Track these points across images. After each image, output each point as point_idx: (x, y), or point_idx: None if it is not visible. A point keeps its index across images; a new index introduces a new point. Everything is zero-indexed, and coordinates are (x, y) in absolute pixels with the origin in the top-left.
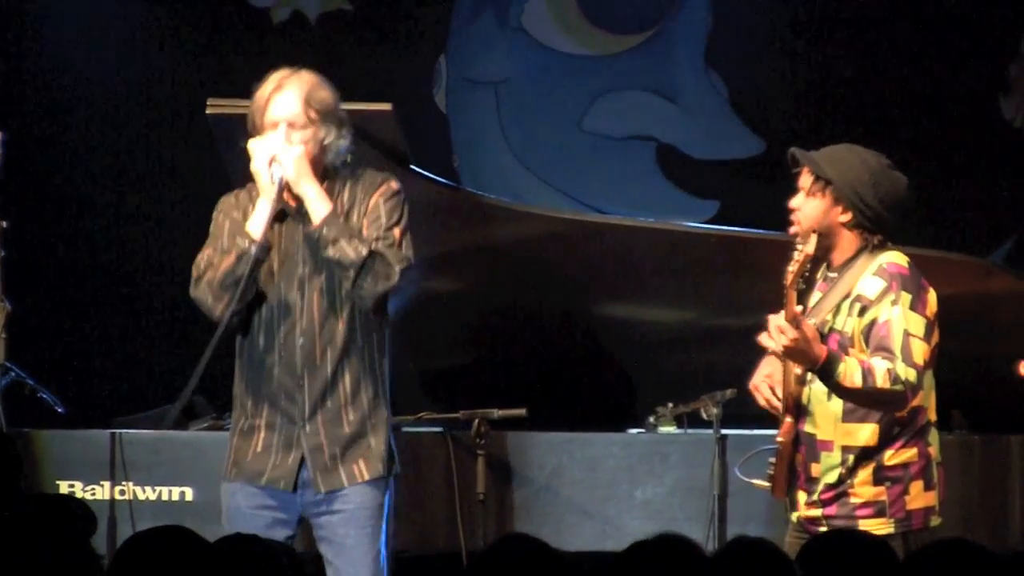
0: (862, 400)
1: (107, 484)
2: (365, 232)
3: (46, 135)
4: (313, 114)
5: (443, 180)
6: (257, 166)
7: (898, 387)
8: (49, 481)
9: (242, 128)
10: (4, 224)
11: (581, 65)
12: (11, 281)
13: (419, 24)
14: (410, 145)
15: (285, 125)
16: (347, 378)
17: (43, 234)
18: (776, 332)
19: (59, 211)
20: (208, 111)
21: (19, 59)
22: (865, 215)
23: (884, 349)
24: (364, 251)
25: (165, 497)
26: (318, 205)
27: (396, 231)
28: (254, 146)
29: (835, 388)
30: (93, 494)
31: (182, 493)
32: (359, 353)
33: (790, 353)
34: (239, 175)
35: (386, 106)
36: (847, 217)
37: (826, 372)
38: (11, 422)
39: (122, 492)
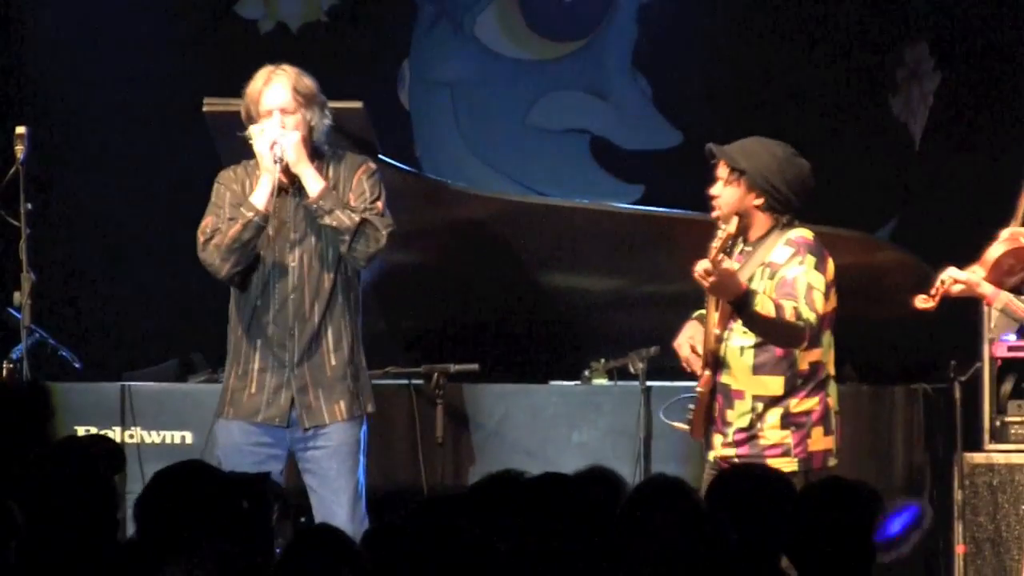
0: (771, 332)
1: (118, 429)
2: (353, 204)
3: (56, 129)
4: (300, 99)
5: (408, 168)
6: (259, 148)
7: (800, 323)
8: (68, 427)
9: (235, 123)
10: (29, 206)
11: (525, 68)
12: (34, 256)
13: (386, 33)
14: (378, 137)
15: (278, 112)
16: (330, 329)
17: (64, 215)
18: (703, 272)
19: (74, 196)
20: (204, 109)
21: (19, 58)
22: (775, 198)
23: (788, 296)
24: (357, 218)
25: (168, 440)
26: (313, 182)
27: (379, 203)
28: (255, 130)
29: (751, 318)
30: None
31: (183, 437)
32: (340, 308)
33: (716, 288)
34: (233, 163)
35: (357, 104)
36: (760, 201)
37: (745, 302)
38: (35, 376)
39: (131, 436)
